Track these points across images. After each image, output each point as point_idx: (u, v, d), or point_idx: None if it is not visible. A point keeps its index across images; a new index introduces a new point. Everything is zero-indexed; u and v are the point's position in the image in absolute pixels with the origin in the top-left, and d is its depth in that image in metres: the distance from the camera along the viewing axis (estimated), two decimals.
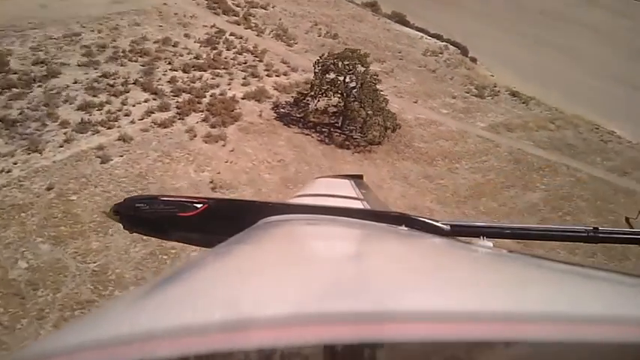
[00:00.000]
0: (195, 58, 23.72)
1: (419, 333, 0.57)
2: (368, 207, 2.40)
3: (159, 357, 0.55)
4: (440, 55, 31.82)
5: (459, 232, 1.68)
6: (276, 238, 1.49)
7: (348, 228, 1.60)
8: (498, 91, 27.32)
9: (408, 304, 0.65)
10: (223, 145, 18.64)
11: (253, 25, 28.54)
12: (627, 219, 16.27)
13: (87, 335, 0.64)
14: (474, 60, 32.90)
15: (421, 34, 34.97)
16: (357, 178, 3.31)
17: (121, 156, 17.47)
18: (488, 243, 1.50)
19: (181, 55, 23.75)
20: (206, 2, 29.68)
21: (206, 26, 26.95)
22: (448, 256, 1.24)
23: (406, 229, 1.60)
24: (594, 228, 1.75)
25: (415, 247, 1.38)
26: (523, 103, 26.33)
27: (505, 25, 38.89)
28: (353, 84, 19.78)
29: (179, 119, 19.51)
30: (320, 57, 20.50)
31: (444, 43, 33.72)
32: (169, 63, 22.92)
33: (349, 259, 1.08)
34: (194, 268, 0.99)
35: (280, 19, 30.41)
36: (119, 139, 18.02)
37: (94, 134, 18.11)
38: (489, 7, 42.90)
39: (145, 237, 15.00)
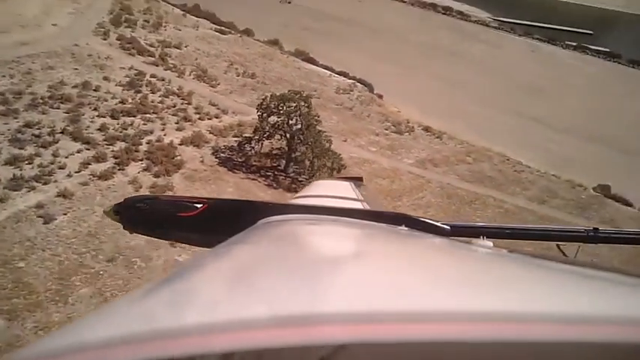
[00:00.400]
0: (120, 102, 22.66)
1: (415, 333, 0.58)
2: (368, 208, 2.42)
3: (153, 358, 0.57)
4: (351, 92, 33.17)
5: (459, 232, 1.72)
6: (275, 238, 1.51)
7: (348, 228, 1.62)
8: (412, 127, 28.94)
9: (403, 305, 0.67)
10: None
11: (172, 65, 27.91)
12: (558, 246, 17.90)
13: (84, 336, 0.66)
14: (380, 96, 34.68)
15: (329, 72, 36.28)
16: (356, 180, 3.34)
17: (65, 214, 16.17)
18: (489, 243, 1.53)
19: (105, 100, 22.58)
20: (118, 42, 28.55)
21: (124, 68, 25.89)
22: (447, 256, 1.25)
23: (406, 229, 1.62)
24: (594, 228, 1.79)
25: (414, 247, 1.39)
26: (437, 137, 28.15)
27: (397, 60, 41.45)
28: (299, 125, 19.99)
29: (119, 170, 18.49)
30: (263, 100, 20.54)
31: (351, 81, 35.25)
32: (95, 109, 21.70)
33: (348, 260, 1.08)
34: (193, 269, 1.01)
35: (197, 59, 30.04)
36: (59, 195, 16.68)
37: (29, 191, 16.60)
38: (379, 44, 45.54)
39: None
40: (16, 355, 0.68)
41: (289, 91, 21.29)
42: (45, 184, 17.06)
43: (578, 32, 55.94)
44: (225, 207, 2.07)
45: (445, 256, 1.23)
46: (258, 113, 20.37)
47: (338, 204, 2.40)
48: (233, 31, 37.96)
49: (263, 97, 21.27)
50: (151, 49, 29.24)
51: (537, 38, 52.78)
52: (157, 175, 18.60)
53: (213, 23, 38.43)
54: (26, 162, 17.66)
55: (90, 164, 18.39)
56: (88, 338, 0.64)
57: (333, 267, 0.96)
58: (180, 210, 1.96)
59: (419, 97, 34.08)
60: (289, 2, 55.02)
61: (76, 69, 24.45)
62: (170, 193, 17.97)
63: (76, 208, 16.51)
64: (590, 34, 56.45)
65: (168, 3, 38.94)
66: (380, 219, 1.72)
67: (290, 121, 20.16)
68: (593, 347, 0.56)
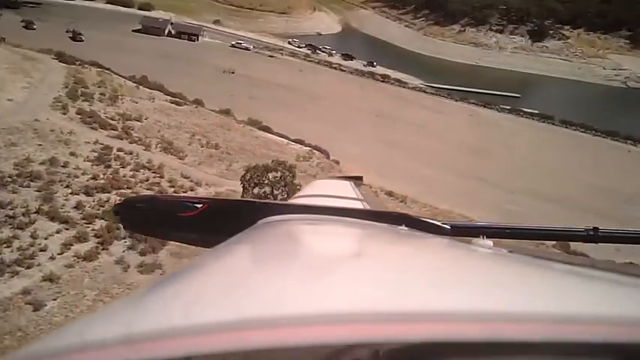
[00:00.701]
0: (92, 178, 22.03)
1: (414, 333, 0.57)
2: (368, 208, 2.35)
3: (152, 358, 0.56)
4: (310, 159, 33.77)
5: (459, 232, 1.68)
6: (275, 238, 1.49)
7: (349, 228, 1.59)
8: (376, 192, 29.45)
9: (402, 305, 0.66)
10: (162, 274, 17.34)
11: (137, 138, 27.55)
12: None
13: (84, 336, 0.66)
14: (337, 162, 35.44)
15: (285, 140, 36.80)
16: (356, 180, 3.21)
17: (55, 299, 15.32)
18: (489, 242, 1.46)
19: (76, 177, 21.88)
20: (79, 117, 27.94)
21: (89, 142, 25.28)
22: (447, 256, 1.25)
23: (406, 229, 1.59)
24: (594, 228, 1.69)
25: (415, 247, 1.38)
26: (401, 202, 29.05)
27: (345, 127, 42.75)
28: (284, 195, 20.12)
29: (103, 249, 17.81)
30: (246, 171, 20.62)
31: (308, 148, 35.85)
32: (67, 186, 20.96)
33: (348, 260, 1.08)
34: (193, 269, 1.00)
35: (159, 131, 29.80)
36: (45, 280, 15.82)
37: (13, 276, 15.67)
38: (325, 111, 46.94)
39: None
40: (15, 355, 0.67)
41: (273, 161, 21.57)
42: (28, 267, 16.16)
43: (506, 96, 59.81)
44: (225, 207, 2.00)
45: (445, 256, 1.23)
46: (242, 185, 20.38)
47: (338, 204, 2.33)
48: (187, 102, 38.08)
49: (245, 169, 21.35)
50: (113, 122, 28.82)
51: (473, 103, 55.84)
52: (143, 253, 18.01)
53: (166, 95, 38.47)
54: (5, 245, 16.71)
55: (72, 245, 17.63)
56: (87, 338, 0.65)
57: (333, 267, 0.97)
58: (180, 210, 1.87)
59: (373, 162, 35.01)
60: (232, 72, 55.93)
61: (41, 145, 23.65)
62: (159, 272, 17.49)
63: (65, 293, 15.67)
64: (518, 97, 60.66)
65: (120, 75, 38.71)
66: (380, 219, 1.69)
67: (275, 191, 20.27)
68: (592, 348, 0.56)
